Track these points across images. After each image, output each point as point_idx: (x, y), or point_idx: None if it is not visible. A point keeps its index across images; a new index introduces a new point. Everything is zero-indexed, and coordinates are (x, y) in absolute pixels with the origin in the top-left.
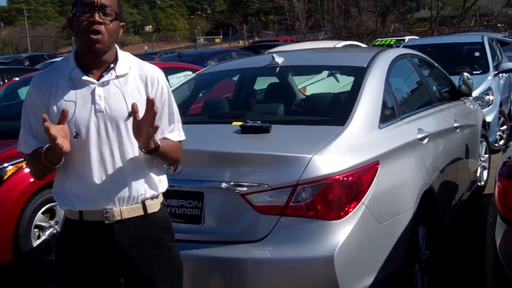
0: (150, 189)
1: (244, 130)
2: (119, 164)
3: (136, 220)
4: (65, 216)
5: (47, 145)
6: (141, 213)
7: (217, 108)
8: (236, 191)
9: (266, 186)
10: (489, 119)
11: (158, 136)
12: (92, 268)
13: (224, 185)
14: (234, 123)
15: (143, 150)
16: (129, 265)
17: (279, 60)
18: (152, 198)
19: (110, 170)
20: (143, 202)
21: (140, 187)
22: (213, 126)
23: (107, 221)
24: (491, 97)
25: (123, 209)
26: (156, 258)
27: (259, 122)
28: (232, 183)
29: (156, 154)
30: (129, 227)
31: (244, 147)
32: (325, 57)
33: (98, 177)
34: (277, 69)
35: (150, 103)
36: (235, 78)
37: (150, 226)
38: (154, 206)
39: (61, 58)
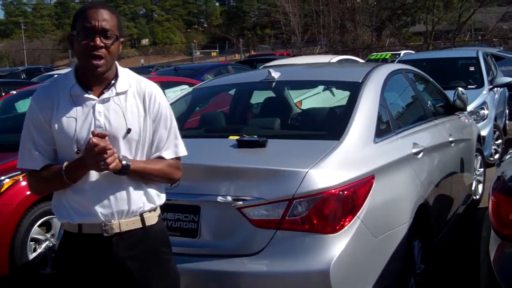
0: (149, 203)
1: (241, 144)
2: (117, 178)
3: (134, 232)
4: (64, 229)
5: (68, 163)
6: (140, 225)
7: (213, 122)
8: (233, 205)
9: (262, 200)
10: (484, 133)
11: (152, 154)
12: (90, 281)
13: (220, 199)
14: (231, 137)
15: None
16: (127, 278)
17: (275, 75)
18: (150, 211)
19: (109, 185)
20: (141, 215)
21: (138, 201)
22: (210, 140)
23: (106, 233)
24: (486, 112)
25: (121, 222)
26: (154, 271)
27: (255, 136)
28: (228, 197)
29: (131, 174)
30: (128, 240)
31: (241, 161)
32: (321, 72)
33: (97, 191)
34: (273, 83)
35: (93, 135)
36: (232, 92)
37: (148, 239)
38: (152, 219)
39: (58, 71)
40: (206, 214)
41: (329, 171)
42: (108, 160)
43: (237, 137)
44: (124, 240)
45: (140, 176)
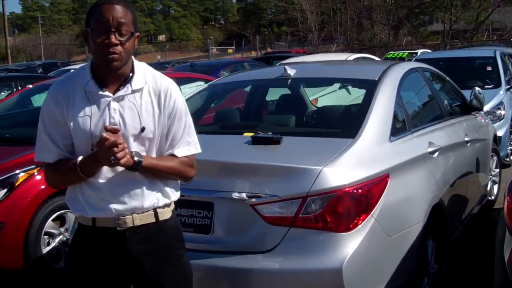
0: (163, 198)
1: (255, 141)
2: (132, 175)
3: (148, 227)
4: (78, 222)
5: (83, 157)
6: (153, 220)
7: (228, 119)
8: (246, 202)
9: (276, 197)
10: (500, 133)
11: (165, 152)
12: (103, 274)
13: (234, 195)
14: (245, 134)
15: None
16: (139, 272)
17: (291, 72)
18: (164, 206)
19: (124, 181)
20: (155, 210)
21: (153, 197)
22: (224, 136)
23: (119, 227)
24: (502, 112)
25: (135, 216)
26: (167, 265)
27: (270, 133)
28: (242, 193)
29: (143, 171)
30: (141, 234)
31: (255, 158)
32: (337, 70)
33: (111, 187)
34: (289, 80)
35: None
36: (247, 89)
37: (162, 233)
38: (165, 214)
39: (74, 65)
40: (220, 210)
41: (344, 169)
42: (119, 155)
43: (251, 134)
44: (137, 234)
45: (153, 173)
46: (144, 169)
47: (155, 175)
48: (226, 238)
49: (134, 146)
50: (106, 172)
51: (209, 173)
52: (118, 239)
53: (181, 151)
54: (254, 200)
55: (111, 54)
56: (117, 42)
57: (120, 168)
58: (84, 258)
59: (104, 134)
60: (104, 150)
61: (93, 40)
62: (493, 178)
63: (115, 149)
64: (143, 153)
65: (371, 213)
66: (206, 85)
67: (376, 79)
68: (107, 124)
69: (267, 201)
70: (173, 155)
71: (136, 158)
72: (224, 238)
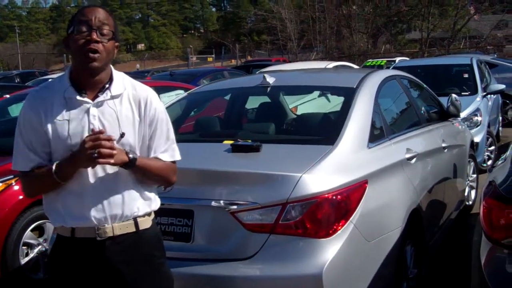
0: (143, 207)
1: (235, 149)
2: (112, 182)
3: (127, 236)
4: (57, 233)
5: (58, 162)
6: (133, 229)
7: (208, 127)
8: (226, 209)
9: (255, 204)
10: (477, 139)
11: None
12: (83, 285)
13: (214, 203)
14: (225, 141)
15: (118, 164)
16: (119, 282)
17: (270, 80)
18: (144, 215)
19: (104, 189)
20: (135, 219)
21: (133, 205)
22: (204, 144)
23: (99, 237)
24: (479, 118)
25: (115, 226)
26: (147, 275)
27: (249, 141)
28: (222, 201)
29: (135, 169)
30: (121, 244)
31: (235, 165)
32: (316, 78)
33: (91, 195)
34: (268, 89)
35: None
36: (227, 97)
37: (142, 243)
38: (145, 223)
39: (52, 75)
40: (200, 218)
41: (323, 175)
42: (105, 151)
43: (231, 142)
44: (117, 244)
45: (142, 172)
46: (137, 167)
47: (143, 175)
48: (207, 246)
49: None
50: (86, 181)
51: (189, 181)
52: (98, 249)
53: (166, 156)
54: (234, 207)
55: (92, 51)
56: (98, 39)
57: (100, 177)
58: (64, 269)
59: (86, 137)
60: (84, 149)
61: (74, 41)
62: (470, 183)
63: (104, 142)
64: None
65: (350, 219)
66: (185, 94)
67: (354, 87)
68: (86, 130)
69: (247, 208)
70: (158, 159)
71: (131, 155)
72: (204, 246)
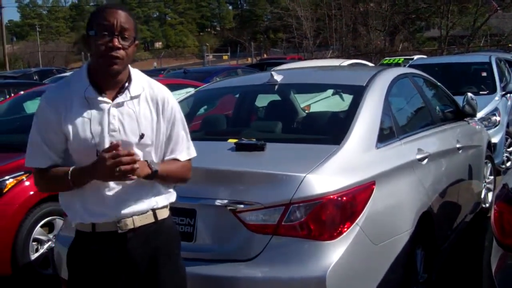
0: (161, 201)
1: (239, 147)
2: (135, 182)
3: (147, 227)
4: (76, 230)
5: (74, 168)
6: (152, 220)
7: (214, 125)
8: (229, 209)
9: (258, 204)
10: (495, 140)
11: (167, 156)
12: (104, 278)
13: (217, 202)
14: (230, 140)
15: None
16: (140, 272)
17: (277, 77)
18: (162, 207)
19: (124, 187)
20: (153, 210)
21: (152, 200)
22: (209, 143)
23: (121, 230)
24: (497, 118)
25: (135, 218)
26: (166, 265)
27: (254, 139)
28: (225, 201)
29: (156, 178)
30: (142, 236)
31: (238, 165)
32: (325, 75)
33: (111, 193)
34: (276, 86)
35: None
36: (237, 95)
37: (161, 233)
38: (163, 213)
39: (70, 72)
40: (202, 217)
41: (328, 176)
42: (126, 167)
43: (236, 140)
44: (138, 235)
45: (163, 180)
46: (159, 176)
47: (164, 180)
48: (209, 245)
49: (136, 151)
50: (111, 183)
51: (192, 180)
52: (120, 241)
53: (184, 155)
54: (236, 207)
55: (113, 58)
56: (120, 46)
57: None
58: (86, 264)
59: (106, 153)
60: (105, 166)
61: (95, 44)
62: (487, 185)
63: (124, 159)
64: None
65: (356, 221)
66: (193, 91)
67: (364, 85)
68: (106, 130)
69: (250, 208)
70: (175, 159)
71: (153, 167)
72: (206, 245)
